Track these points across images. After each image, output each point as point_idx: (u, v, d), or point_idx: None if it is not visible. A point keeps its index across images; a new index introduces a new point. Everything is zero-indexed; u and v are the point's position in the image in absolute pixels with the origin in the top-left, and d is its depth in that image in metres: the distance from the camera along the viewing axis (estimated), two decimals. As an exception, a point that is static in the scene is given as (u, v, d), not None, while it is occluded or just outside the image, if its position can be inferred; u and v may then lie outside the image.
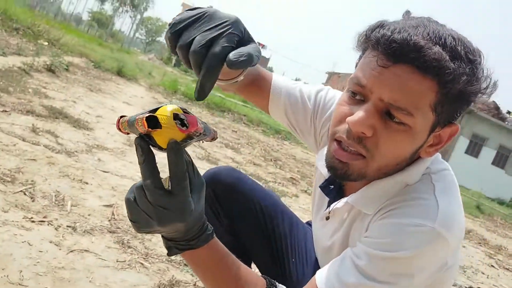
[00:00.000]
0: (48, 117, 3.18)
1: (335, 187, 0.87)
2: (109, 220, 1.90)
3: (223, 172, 1.13)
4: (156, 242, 1.85)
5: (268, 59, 38.76)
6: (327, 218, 0.87)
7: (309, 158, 7.31)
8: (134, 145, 0.58)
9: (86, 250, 1.58)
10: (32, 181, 1.96)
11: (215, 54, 0.55)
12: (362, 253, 0.67)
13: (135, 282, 1.50)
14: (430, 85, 0.62)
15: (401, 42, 0.61)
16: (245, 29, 0.60)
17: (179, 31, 0.58)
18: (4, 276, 1.26)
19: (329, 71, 41.36)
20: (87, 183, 2.22)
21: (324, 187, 0.88)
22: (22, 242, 1.47)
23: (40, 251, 1.46)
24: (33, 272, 1.33)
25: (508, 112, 26.24)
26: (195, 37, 0.56)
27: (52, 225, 1.66)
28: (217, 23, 0.57)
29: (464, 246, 4.89)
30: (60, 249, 1.52)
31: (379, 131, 0.66)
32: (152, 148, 0.58)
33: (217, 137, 0.62)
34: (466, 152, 24.37)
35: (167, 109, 0.55)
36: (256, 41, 0.60)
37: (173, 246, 0.66)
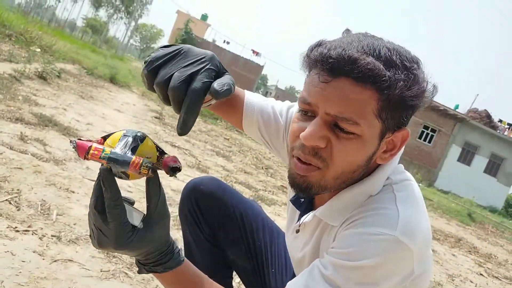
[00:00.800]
0: (37, 125, 3.17)
1: (305, 200, 0.89)
2: (95, 229, 1.89)
3: (205, 182, 1.15)
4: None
5: (262, 67, 38.77)
6: (297, 231, 0.89)
7: (301, 166, 7.31)
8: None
9: (70, 260, 1.57)
10: (18, 190, 1.96)
11: (196, 90, 0.57)
12: (328, 263, 0.69)
13: (118, 292, 1.50)
14: (370, 94, 0.65)
15: (336, 57, 0.65)
16: (220, 62, 0.63)
17: (155, 68, 0.60)
18: (-15, 286, 1.26)
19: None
20: (73, 192, 2.21)
21: (295, 200, 0.90)
22: (5, 252, 1.47)
23: (22, 261, 1.45)
24: (15, 283, 1.33)
25: (500, 121, 26.52)
26: (173, 73, 0.58)
27: (36, 234, 1.66)
28: (194, 59, 0.60)
29: (453, 255, 4.92)
30: (43, 259, 1.51)
31: (333, 142, 0.69)
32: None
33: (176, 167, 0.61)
34: (459, 160, 24.59)
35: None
36: (229, 72, 0.65)
37: (141, 266, 0.70)
